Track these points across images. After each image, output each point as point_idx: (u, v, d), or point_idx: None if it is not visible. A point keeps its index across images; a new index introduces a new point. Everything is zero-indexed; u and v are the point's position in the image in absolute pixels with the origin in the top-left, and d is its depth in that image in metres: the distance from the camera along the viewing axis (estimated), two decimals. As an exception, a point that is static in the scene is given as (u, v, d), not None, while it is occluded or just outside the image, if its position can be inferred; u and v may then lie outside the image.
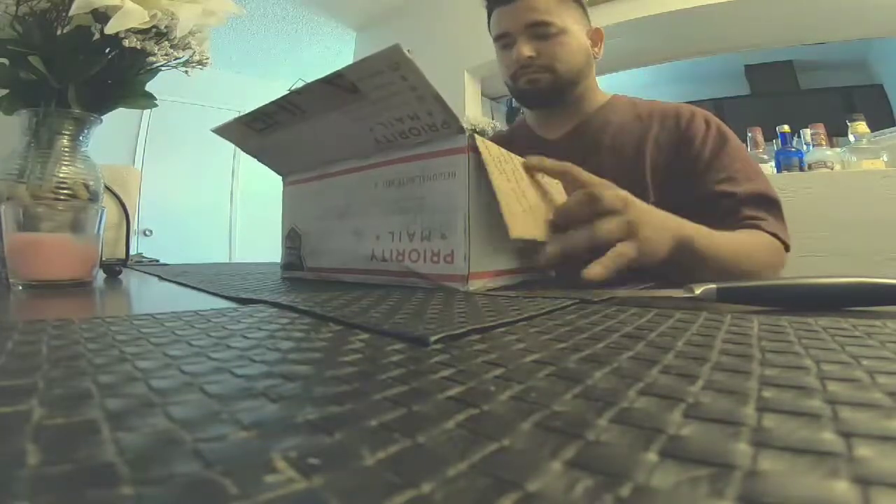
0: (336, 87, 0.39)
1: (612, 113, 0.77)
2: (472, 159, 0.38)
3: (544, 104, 0.79)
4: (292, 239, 0.53)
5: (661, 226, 0.46)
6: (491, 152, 0.39)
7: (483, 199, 0.38)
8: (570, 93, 0.76)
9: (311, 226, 0.51)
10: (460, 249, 0.37)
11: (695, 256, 0.50)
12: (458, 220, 0.38)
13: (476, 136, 0.39)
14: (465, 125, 0.39)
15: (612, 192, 0.43)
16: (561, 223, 0.43)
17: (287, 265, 0.54)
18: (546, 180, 0.49)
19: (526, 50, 0.71)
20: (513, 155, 0.44)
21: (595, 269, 0.39)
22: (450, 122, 0.38)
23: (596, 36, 0.77)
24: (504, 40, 0.75)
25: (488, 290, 0.38)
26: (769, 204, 0.67)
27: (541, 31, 0.71)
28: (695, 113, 0.74)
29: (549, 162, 0.46)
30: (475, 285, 0.38)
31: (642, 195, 0.48)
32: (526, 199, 0.42)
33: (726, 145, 0.69)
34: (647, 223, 0.44)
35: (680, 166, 0.70)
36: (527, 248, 0.44)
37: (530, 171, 0.46)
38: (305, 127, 0.45)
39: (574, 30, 0.73)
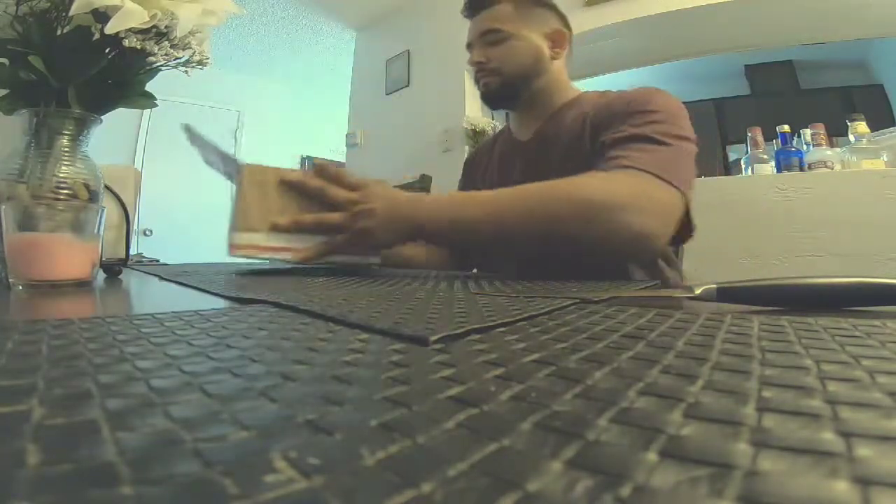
0: None
1: (571, 109, 0.78)
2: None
3: (501, 105, 0.85)
4: None
5: (389, 217, 0.55)
6: (261, 177, 0.56)
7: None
8: (522, 93, 0.80)
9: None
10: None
11: (440, 237, 0.58)
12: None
13: (248, 166, 0.56)
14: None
15: (342, 191, 0.55)
16: (307, 220, 0.55)
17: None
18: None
19: (476, 55, 0.79)
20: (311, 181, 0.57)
21: (301, 254, 0.54)
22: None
23: (557, 36, 0.80)
24: (469, 50, 0.82)
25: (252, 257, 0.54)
26: (640, 140, 0.62)
27: (491, 38, 0.77)
28: (638, 89, 0.72)
29: (308, 181, 0.56)
30: (239, 252, 0.53)
31: None
32: (280, 212, 0.55)
33: (647, 111, 0.66)
34: (370, 215, 0.54)
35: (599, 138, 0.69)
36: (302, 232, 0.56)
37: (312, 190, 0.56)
38: None
39: (524, 34, 0.77)
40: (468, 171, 0.98)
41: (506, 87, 0.79)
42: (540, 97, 0.80)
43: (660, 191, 0.58)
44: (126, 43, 0.46)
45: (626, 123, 0.65)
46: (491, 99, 0.82)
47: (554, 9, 0.82)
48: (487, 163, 0.92)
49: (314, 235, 0.56)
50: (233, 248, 0.53)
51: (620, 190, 0.56)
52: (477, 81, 0.82)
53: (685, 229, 0.65)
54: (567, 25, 0.82)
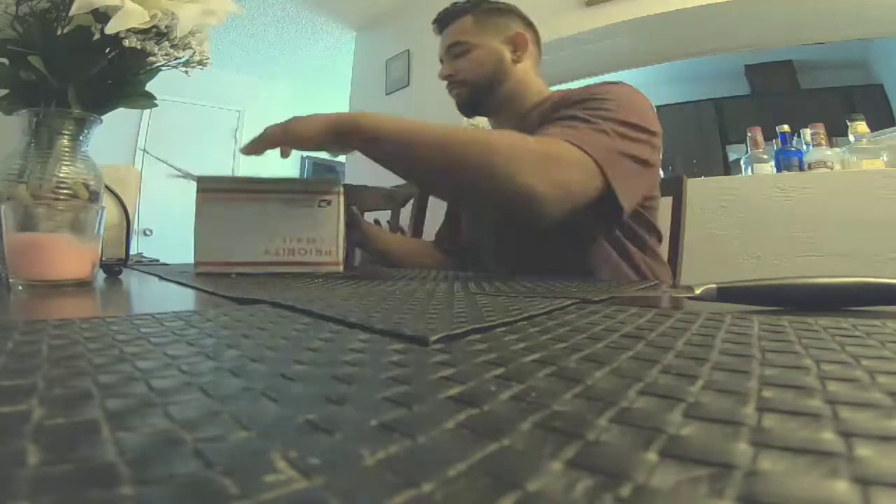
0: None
1: (540, 107, 0.79)
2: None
3: (474, 113, 0.87)
4: None
5: (314, 117, 0.57)
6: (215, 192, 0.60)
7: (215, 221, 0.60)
8: (490, 98, 0.82)
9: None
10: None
11: (360, 137, 0.57)
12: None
13: (202, 181, 0.60)
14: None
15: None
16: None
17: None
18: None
19: (444, 70, 0.83)
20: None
21: (246, 146, 0.57)
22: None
23: (517, 39, 0.82)
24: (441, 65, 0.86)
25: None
26: (577, 120, 0.63)
27: (456, 51, 0.82)
28: (606, 83, 0.72)
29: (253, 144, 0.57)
30: (203, 269, 0.58)
31: None
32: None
33: (600, 99, 0.66)
34: (298, 118, 0.56)
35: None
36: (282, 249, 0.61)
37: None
38: None
39: (485, 43, 0.80)
40: None
41: (473, 95, 0.82)
42: (509, 100, 0.82)
43: (565, 153, 0.58)
44: (126, 43, 0.46)
45: (575, 108, 0.66)
46: (463, 108, 0.85)
47: (513, 13, 0.84)
48: None
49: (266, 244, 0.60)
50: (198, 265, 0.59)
51: (520, 145, 0.57)
52: (451, 93, 0.85)
53: (610, 209, 0.63)
54: (530, 26, 0.84)
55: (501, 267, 0.82)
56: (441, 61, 0.85)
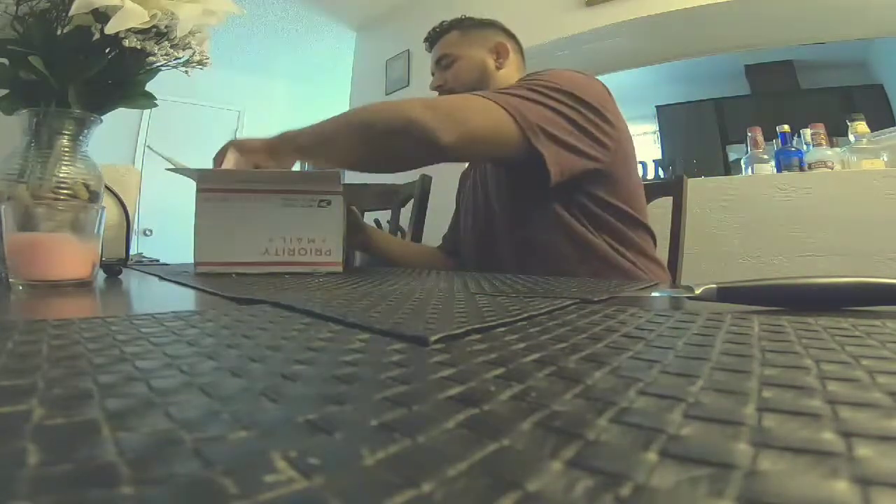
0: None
1: None
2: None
3: None
4: None
5: (257, 138, 0.67)
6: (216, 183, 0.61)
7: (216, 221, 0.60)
8: None
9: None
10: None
11: (292, 147, 0.66)
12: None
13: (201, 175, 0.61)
14: None
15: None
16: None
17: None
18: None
19: (435, 80, 0.90)
20: None
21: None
22: None
23: (500, 48, 0.88)
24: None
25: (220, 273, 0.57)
26: (509, 88, 0.70)
27: (444, 63, 0.89)
28: (566, 70, 0.77)
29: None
30: (203, 269, 0.58)
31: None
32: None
33: (541, 77, 0.72)
34: (245, 138, 0.68)
35: None
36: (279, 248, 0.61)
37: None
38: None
39: (470, 54, 0.88)
40: (461, 182, 1.04)
41: None
42: None
43: (470, 101, 0.66)
44: (126, 43, 0.46)
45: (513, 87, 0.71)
46: None
47: (495, 26, 0.92)
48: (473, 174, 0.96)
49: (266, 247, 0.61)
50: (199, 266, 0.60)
51: (426, 100, 0.65)
52: None
53: (533, 169, 0.67)
54: (511, 37, 0.92)
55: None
56: (433, 73, 0.93)
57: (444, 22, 0.93)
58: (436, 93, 0.89)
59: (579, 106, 0.68)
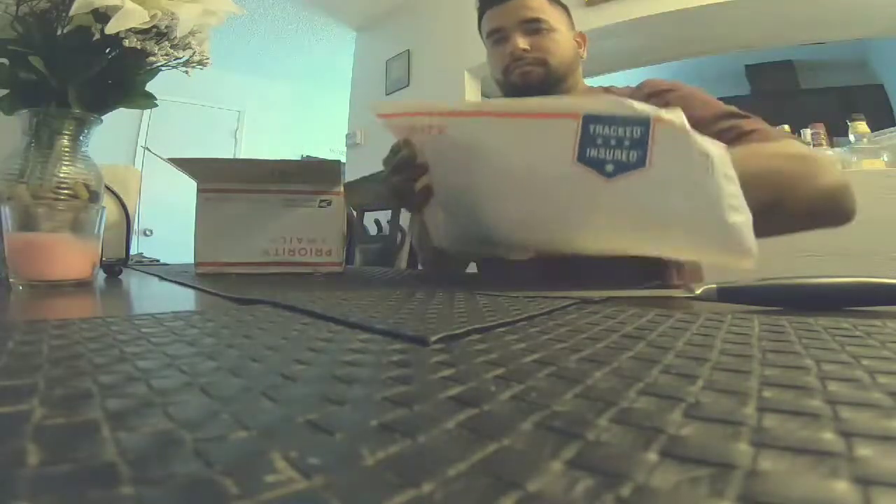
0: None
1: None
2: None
3: (538, 95, 0.83)
4: None
5: None
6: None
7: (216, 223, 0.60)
8: (558, 88, 0.78)
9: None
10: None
11: None
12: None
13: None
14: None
15: None
16: None
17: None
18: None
19: (521, 42, 0.75)
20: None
21: None
22: None
23: (580, 38, 0.82)
24: (497, 35, 0.78)
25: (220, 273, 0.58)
26: (727, 118, 0.72)
27: (534, 27, 0.75)
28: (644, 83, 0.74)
29: None
30: (203, 269, 0.58)
31: None
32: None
33: (708, 101, 0.72)
34: None
35: None
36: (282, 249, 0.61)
37: None
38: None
39: (563, 30, 0.78)
40: None
41: (549, 78, 0.76)
42: (569, 92, 0.80)
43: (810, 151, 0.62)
44: (126, 43, 0.46)
45: (710, 109, 0.69)
46: (526, 90, 0.76)
47: (570, 14, 0.83)
48: None
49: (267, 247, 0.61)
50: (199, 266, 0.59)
51: (803, 152, 0.62)
52: (509, 71, 0.77)
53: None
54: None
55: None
56: (492, 34, 0.78)
57: None
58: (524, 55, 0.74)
59: None
